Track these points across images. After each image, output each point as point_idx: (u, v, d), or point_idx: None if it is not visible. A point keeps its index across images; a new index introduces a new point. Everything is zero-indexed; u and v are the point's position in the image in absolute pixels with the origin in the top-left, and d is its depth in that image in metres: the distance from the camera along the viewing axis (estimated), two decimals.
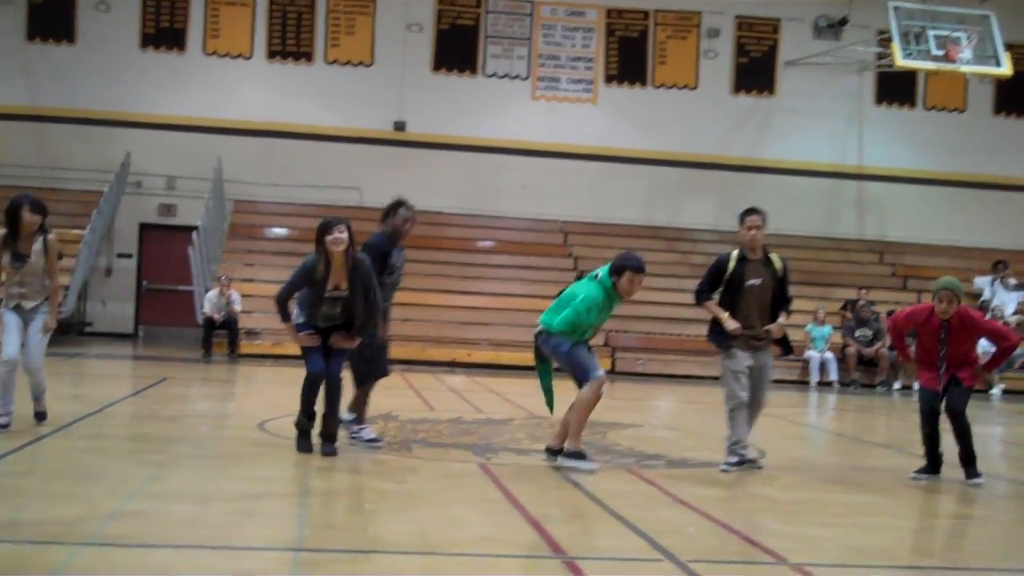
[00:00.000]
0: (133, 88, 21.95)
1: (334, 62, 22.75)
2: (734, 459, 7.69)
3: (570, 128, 23.17)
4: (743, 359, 7.71)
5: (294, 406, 9.61)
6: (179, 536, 4.98)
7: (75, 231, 19.92)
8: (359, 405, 8.27)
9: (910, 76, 23.73)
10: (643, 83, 23.61)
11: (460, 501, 6.03)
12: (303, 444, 7.61)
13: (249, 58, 22.62)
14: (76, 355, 16.86)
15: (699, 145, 23.39)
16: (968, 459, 7.79)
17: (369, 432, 8.17)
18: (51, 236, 7.90)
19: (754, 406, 7.89)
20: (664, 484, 7.06)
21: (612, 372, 18.69)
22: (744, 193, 22.89)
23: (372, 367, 8.14)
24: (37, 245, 7.84)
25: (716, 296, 7.95)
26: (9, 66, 21.87)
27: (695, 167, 23.40)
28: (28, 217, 7.69)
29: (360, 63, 22.79)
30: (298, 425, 7.67)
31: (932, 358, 7.85)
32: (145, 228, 22.42)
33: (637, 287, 7.46)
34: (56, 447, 7.27)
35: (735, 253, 7.83)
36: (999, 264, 22.10)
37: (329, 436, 7.58)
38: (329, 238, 7.34)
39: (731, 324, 7.65)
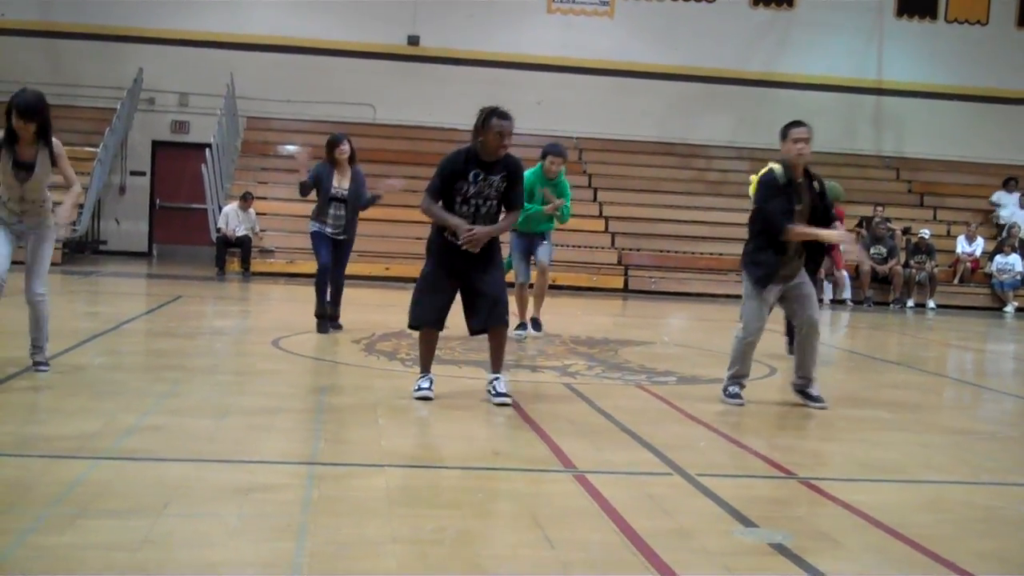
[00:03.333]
0: (145, 3, 21.74)
1: None
2: (736, 389, 7.06)
3: (586, 42, 22.88)
4: (772, 291, 6.98)
5: (308, 323, 9.71)
6: (196, 450, 5.05)
7: (88, 149, 19.90)
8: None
9: None
10: None
11: (472, 417, 6.09)
12: (321, 327, 9.67)
13: None
14: (91, 273, 16.97)
15: (716, 60, 23.09)
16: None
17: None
18: (56, 143, 6.75)
19: (808, 330, 6.97)
20: (674, 400, 7.11)
21: (625, 290, 18.74)
22: (760, 109, 22.72)
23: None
24: (42, 156, 6.68)
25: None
26: None
27: (712, 82, 23.13)
28: (17, 123, 6.49)
29: None
30: (317, 313, 9.75)
31: None
32: (158, 145, 22.38)
33: (557, 167, 9.75)
34: (72, 363, 7.34)
35: (778, 171, 6.83)
36: (1010, 181, 21.91)
37: (332, 318, 9.82)
38: (336, 150, 9.57)
39: (851, 245, 7.04)
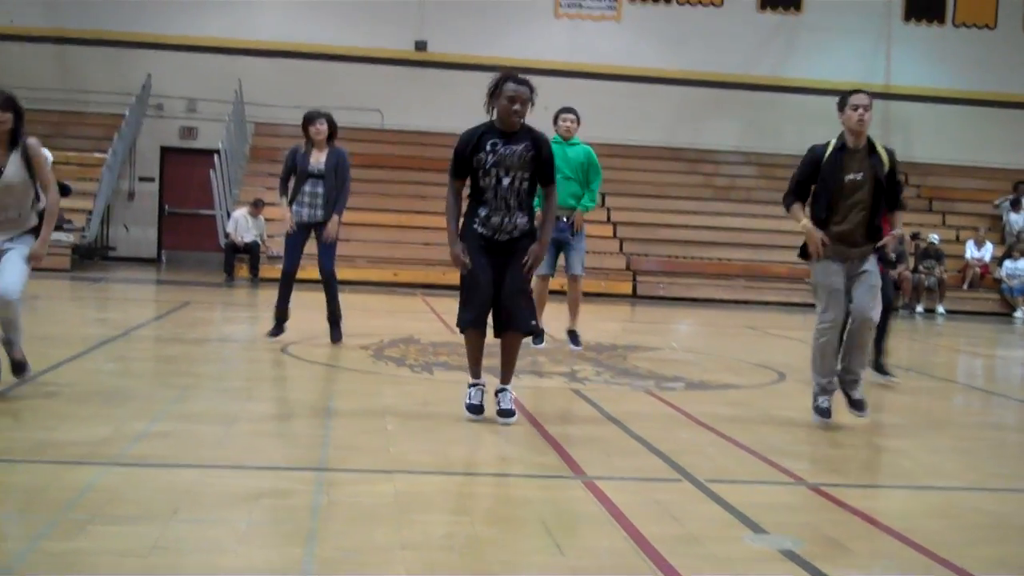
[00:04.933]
0: (153, 9, 21.82)
1: None
2: (823, 401, 6.52)
3: (593, 47, 22.91)
4: (835, 272, 6.41)
5: (317, 329, 9.72)
6: (205, 456, 5.06)
7: (97, 155, 19.99)
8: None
9: None
10: (668, 0, 23.25)
11: (481, 423, 6.09)
12: (275, 329, 9.25)
13: None
14: (99, 279, 17.01)
15: (724, 64, 23.10)
16: None
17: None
18: (31, 141, 5.93)
19: (859, 324, 6.47)
20: (683, 406, 7.10)
21: (633, 295, 18.73)
22: (768, 113, 22.73)
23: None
24: (14, 157, 5.87)
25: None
26: None
27: (719, 86, 23.14)
28: None
29: None
30: (276, 314, 9.28)
31: None
32: (166, 151, 22.45)
33: (572, 125, 9.81)
34: (82, 370, 7.36)
35: (832, 141, 6.49)
36: (1021, 184, 21.84)
37: (333, 321, 9.32)
38: (312, 128, 9.05)
39: (814, 236, 6.36)
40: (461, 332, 6.19)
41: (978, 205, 22.59)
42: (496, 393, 6.21)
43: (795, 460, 5.65)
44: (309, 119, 9.18)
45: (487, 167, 5.92)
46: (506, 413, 6.09)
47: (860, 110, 6.36)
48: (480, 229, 6.01)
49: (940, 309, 18.88)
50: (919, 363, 11.68)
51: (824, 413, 6.50)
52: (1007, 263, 19.66)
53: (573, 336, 9.64)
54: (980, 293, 19.82)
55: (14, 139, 5.88)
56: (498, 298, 6.00)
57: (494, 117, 6.00)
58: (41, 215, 6.11)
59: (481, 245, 6.00)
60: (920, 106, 23.57)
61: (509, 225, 6.00)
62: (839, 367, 6.61)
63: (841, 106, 6.48)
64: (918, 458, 5.95)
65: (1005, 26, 24.03)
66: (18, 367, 6.25)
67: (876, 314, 6.55)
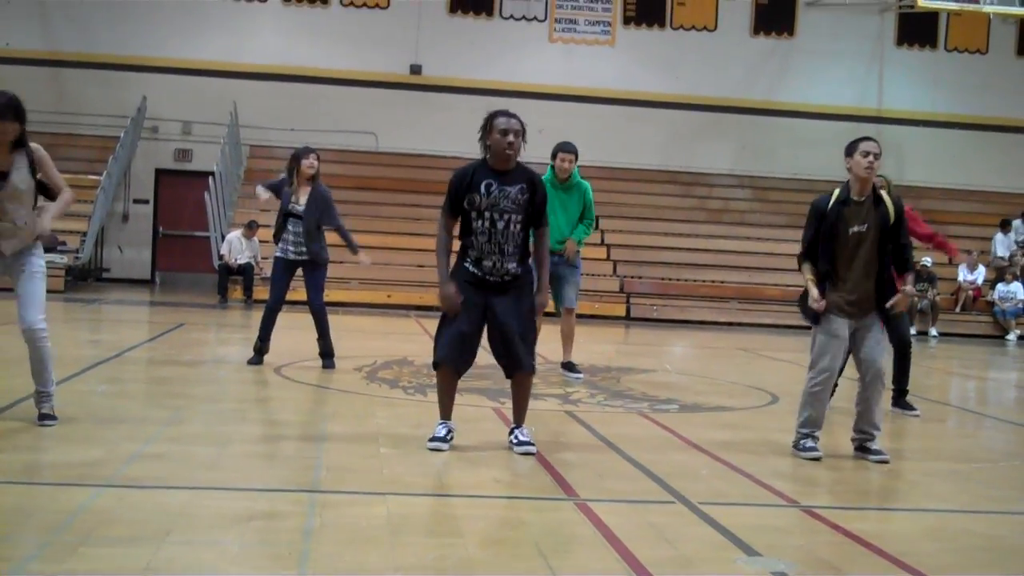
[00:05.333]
0: (149, 32, 21.88)
1: (350, 5, 22.61)
2: (807, 442, 6.31)
3: (587, 71, 23.02)
4: (840, 325, 6.26)
5: (310, 351, 9.72)
6: (197, 478, 5.05)
7: (91, 176, 20.00)
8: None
9: (932, 17, 23.46)
10: (661, 25, 23.40)
11: (474, 445, 6.09)
12: (254, 358, 9.28)
13: (265, 1, 22.49)
14: (93, 301, 17.00)
15: (717, 88, 23.21)
16: None
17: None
18: (35, 146, 5.89)
19: (872, 377, 6.31)
20: (677, 428, 7.10)
21: (627, 318, 18.74)
22: (762, 137, 22.83)
23: None
24: (20, 162, 5.78)
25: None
26: (25, 11, 21.83)
27: (713, 110, 23.25)
28: None
29: (376, 5, 22.65)
30: (255, 346, 9.35)
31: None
32: (161, 173, 22.48)
33: (569, 165, 9.31)
34: (75, 391, 7.35)
35: (836, 192, 6.31)
36: (1007, 223, 21.85)
37: (324, 354, 9.33)
38: (305, 163, 9.02)
39: (817, 302, 6.23)
40: (435, 369, 6.00)
41: (971, 228, 22.66)
42: (512, 431, 6.08)
43: (788, 482, 5.65)
44: (301, 155, 9.17)
45: (481, 209, 5.78)
46: (527, 443, 5.96)
47: (870, 157, 6.21)
48: (472, 268, 5.88)
49: (933, 332, 18.91)
50: (912, 386, 11.66)
51: (812, 450, 6.25)
52: (1000, 286, 19.72)
53: (571, 367, 9.52)
54: (973, 316, 19.86)
55: (18, 143, 5.77)
56: (503, 341, 5.87)
57: (487, 156, 5.86)
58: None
59: (471, 283, 5.85)
60: (913, 130, 23.68)
61: (501, 270, 5.86)
62: (856, 429, 6.42)
63: (850, 152, 6.32)
64: (911, 480, 5.95)
65: (997, 51, 24.20)
66: (46, 417, 6.07)
67: (885, 363, 6.41)
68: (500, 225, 5.80)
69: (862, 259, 6.20)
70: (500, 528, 4.59)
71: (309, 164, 9.05)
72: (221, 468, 5.31)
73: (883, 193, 6.35)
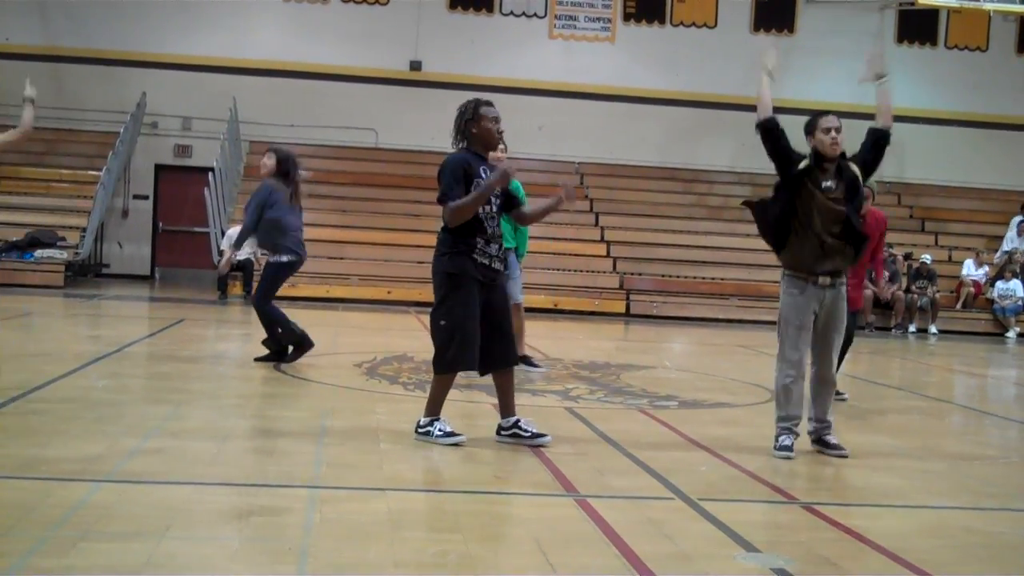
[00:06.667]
0: (148, 28, 21.85)
1: (350, 1, 22.58)
2: (785, 439, 6.17)
3: (587, 68, 22.99)
4: (805, 310, 6.13)
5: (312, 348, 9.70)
6: (197, 473, 5.05)
7: (91, 172, 20.02)
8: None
9: (932, 14, 23.43)
10: (661, 21, 23.38)
11: (474, 441, 6.08)
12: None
13: None
14: (93, 297, 16.99)
15: (717, 85, 23.18)
16: None
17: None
18: None
19: (817, 379, 6.30)
20: (676, 424, 7.10)
21: (627, 314, 18.74)
22: None
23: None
24: None
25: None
26: (25, 7, 21.81)
27: (713, 107, 23.21)
28: None
29: (376, 2, 22.64)
30: (292, 341, 9.05)
31: None
32: (161, 169, 22.45)
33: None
34: (75, 386, 7.35)
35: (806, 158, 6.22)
36: None
37: (279, 353, 9.03)
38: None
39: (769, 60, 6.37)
40: (446, 373, 5.99)
41: (970, 225, 22.67)
42: (515, 424, 6.05)
43: (787, 479, 5.66)
44: (296, 162, 9.17)
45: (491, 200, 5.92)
46: (542, 435, 5.99)
47: (832, 132, 6.23)
48: (481, 259, 5.87)
49: (933, 329, 18.91)
50: (911, 383, 11.70)
51: (788, 450, 6.11)
52: (999, 283, 19.72)
53: (528, 361, 9.43)
54: (973, 313, 19.86)
55: None
56: (501, 336, 5.94)
57: (470, 143, 5.95)
58: None
59: (478, 279, 5.85)
60: (913, 127, 23.62)
61: (501, 251, 6.00)
62: (811, 419, 6.35)
63: (810, 130, 6.30)
64: (910, 477, 5.96)
65: (997, 49, 24.18)
66: None
67: (836, 372, 6.45)
68: (494, 210, 5.97)
69: (834, 227, 6.16)
70: (499, 524, 4.60)
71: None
72: (221, 463, 5.32)
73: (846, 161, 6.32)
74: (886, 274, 9.03)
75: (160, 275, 22.25)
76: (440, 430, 5.96)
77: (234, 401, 7.49)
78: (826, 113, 6.37)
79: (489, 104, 6.01)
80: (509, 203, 6.16)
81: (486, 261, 5.91)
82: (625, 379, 9.45)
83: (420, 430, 6.03)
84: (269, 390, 7.97)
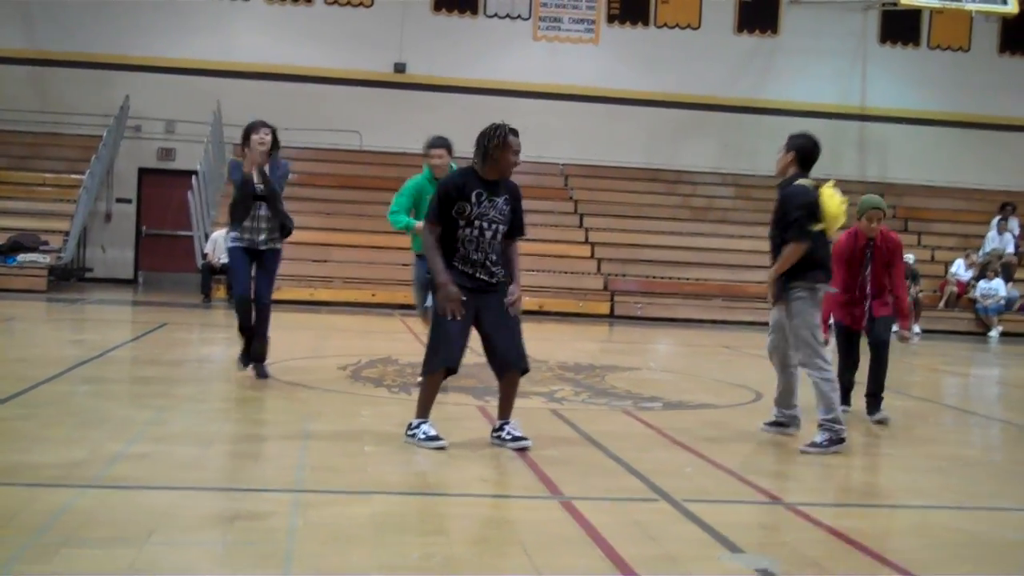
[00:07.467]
0: (132, 31, 21.79)
1: (334, 3, 22.58)
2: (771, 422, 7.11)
3: (571, 69, 23.03)
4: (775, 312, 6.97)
5: (293, 351, 9.69)
6: (181, 478, 5.03)
7: (74, 176, 19.93)
8: None
9: (915, 14, 23.56)
10: (645, 23, 23.43)
11: (458, 444, 6.08)
12: (244, 359, 8.52)
13: (248, 0, 22.43)
14: (76, 301, 16.92)
15: (701, 86, 23.25)
16: (876, 393, 7.80)
17: None
18: None
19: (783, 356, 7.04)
20: (661, 426, 7.11)
21: (611, 316, 18.76)
22: (745, 135, 22.86)
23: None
24: None
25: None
26: (7, 10, 21.71)
27: (697, 108, 23.28)
28: None
29: (360, 4, 22.62)
30: (250, 352, 8.48)
31: (853, 288, 7.78)
32: (144, 173, 22.38)
33: (444, 161, 8.28)
34: (57, 391, 7.31)
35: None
36: (1006, 206, 21.91)
37: (258, 358, 8.37)
38: (255, 137, 8.27)
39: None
40: (430, 374, 5.97)
41: (954, 225, 22.78)
42: (502, 427, 6.13)
43: (772, 480, 5.67)
44: (252, 128, 8.42)
45: (471, 218, 5.88)
46: (522, 438, 6.04)
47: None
48: (463, 268, 5.95)
49: (916, 328, 18.95)
50: (895, 382, 11.70)
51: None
52: (981, 283, 19.82)
53: None
54: (956, 312, 19.96)
55: None
56: (490, 337, 6.00)
57: (483, 165, 5.93)
58: None
59: (462, 285, 5.90)
60: (896, 127, 23.78)
61: (487, 271, 6.00)
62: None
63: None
64: (894, 477, 5.98)
65: (979, 48, 24.31)
66: None
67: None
68: (488, 235, 5.95)
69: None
70: (485, 527, 4.59)
71: (260, 140, 8.32)
72: (204, 468, 5.29)
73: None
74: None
75: (143, 279, 22.17)
76: (424, 433, 5.97)
77: (218, 405, 7.47)
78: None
79: (515, 134, 6.01)
80: (514, 228, 6.14)
81: (469, 270, 5.96)
82: (610, 380, 9.46)
83: (408, 431, 6.05)
84: (253, 394, 7.94)
